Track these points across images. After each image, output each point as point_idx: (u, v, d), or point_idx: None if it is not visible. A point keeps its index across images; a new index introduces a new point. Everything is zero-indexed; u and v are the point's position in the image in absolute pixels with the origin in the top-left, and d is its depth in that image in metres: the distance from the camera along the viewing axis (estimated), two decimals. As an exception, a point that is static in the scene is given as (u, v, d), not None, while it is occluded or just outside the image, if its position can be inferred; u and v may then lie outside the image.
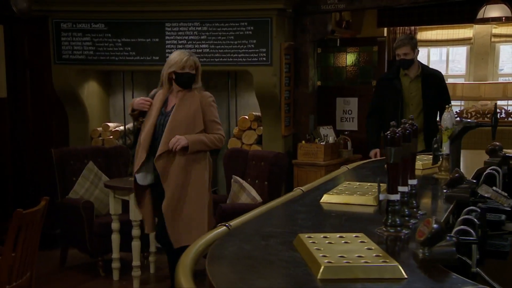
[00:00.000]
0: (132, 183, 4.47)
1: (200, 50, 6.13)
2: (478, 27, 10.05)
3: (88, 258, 5.76)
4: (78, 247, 5.74)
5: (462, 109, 9.92)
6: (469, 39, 10.38)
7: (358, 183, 2.84)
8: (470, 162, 3.66)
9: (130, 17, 6.32)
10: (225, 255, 1.83)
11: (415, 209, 2.26)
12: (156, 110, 4.36)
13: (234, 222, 2.15)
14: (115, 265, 5.35)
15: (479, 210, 2.21)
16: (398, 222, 2.02)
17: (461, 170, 2.82)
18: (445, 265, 1.69)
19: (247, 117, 6.43)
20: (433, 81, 5.17)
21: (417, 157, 2.90)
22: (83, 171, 5.82)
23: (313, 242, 1.78)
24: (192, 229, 4.25)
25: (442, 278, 1.61)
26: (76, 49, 6.46)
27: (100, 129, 6.75)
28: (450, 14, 8.48)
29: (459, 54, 11.28)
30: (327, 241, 1.80)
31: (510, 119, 8.90)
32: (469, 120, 3.22)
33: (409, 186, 2.17)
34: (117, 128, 6.73)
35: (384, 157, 4.44)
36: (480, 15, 7.53)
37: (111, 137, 6.64)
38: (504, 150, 3.37)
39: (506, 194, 2.55)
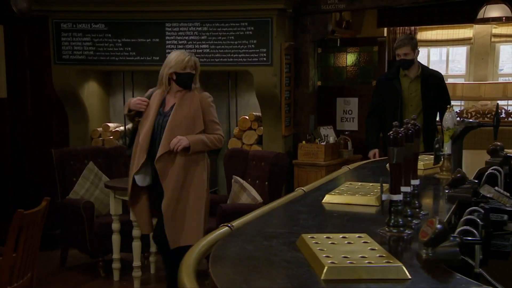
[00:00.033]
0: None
1: (201, 50, 6.13)
2: (478, 27, 10.05)
3: (88, 258, 5.76)
4: (78, 247, 5.74)
5: (462, 109, 9.91)
6: (469, 39, 10.37)
7: (359, 183, 2.83)
8: (471, 162, 3.66)
9: (130, 17, 6.32)
10: (228, 255, 1.82)
11: (417, 210, 2.25)
12: (154, 110, 4.33)
13: (236, 223, 2.15)
14: (116, 265, 5.34)
15: (481, 211, 2.20)
16: (401, 222, 2.02)
17: (462, 170, 2.82)
18: (448, 266, 1.69)
19: (247, 117, 6.43)
20: (433, 82, 5.16)
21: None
22: (83, 172, 5.81)
23: (316, 243, 1.77)
24: (189, 229, 4.25)
25: (446, 279, 1.60)
26: (76, 49, 6.45)
27: (100, 129, 6.75)
28: (450, 14, 8.48)
29: (459, 54, 11.28)
30: (330, 242, 1.79)
31: (510, 119, 8.89)
32: (470, 120, 3.22)
33: (411, 186, 2.17)
34: (117, 129, 6.73)
35: (383, 158, 4.46)
36: (480, 15, 7.53)
37: (111, 137, 6.63)
38: (505, 150, 3.36)
39: (508, 194, 2.55)
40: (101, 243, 5.44)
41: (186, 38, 6.19)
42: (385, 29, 9.60)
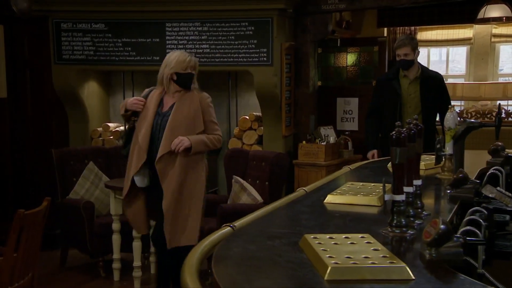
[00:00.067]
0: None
1: (201, 50, 6.13)
2: (478, 27, 10.05)
3: (89, 258, 5.75)
4: (78, 247, 5.73)
5: (462, 109, 9.91)
6: (469, 39, 10.38)
7: (361, 184, 2.83)
8: (471, 162, 3.66)
9: (131, 17, 6.31)
10: (231, 255, 1.82)
11: (419, 210, 2.25)
12: (152, 110, 4.31)
13: (238, 223, 2.15)
14: (116, 265, 5.34)
15: (484, 211, 2.20)
16: (404, 222, 2.01)
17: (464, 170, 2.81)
18: (450, 267, 1.68)
19: (247, 117, 6.43)
20: (432, 83, 5.15)
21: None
22: (83, 172, 5.81)
23: (319, 243, 1.77)
24: (188, 230, 4.25)
25: (449, 279, 1.60)
26: (76, 49, 6.45)
27: (100, 129, 6.74)
28: (450, 14, 8.48)
29: (459, 54, 11.28)
30: (333, 242, 1.79)
31: (510, 119, 8.89)
32: (472, 120, 3.22)
33: (414, 186, 2.17)
34: (117, 129, 6.72)
35: (382, 158, 4.46)
36: (480, 15, 7.53)
37: (111, 137, 6.63)
38: (506, 150, 3.36)
39: (510, 194, 2.54)
40: (101, 243, 5.43)
41: (187, 38, 6.18)
42: (385, 29, 9.59)
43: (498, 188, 2.56)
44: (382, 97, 5.27)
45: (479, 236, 1.89)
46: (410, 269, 1.58)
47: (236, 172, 5.56)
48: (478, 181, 2.76)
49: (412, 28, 9.86)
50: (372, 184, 2.78)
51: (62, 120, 6.73)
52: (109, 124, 6.72)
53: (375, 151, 5.27)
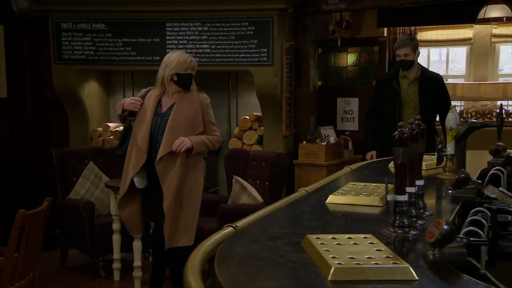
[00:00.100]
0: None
1: (201, 50, 6.12)
2: (478, 27, 10.05)
3: (89, 258, 5.74)
4: (78, 247, 5.72)
5: (462, 109, 9.91)
6: (469, 39, 10.37)
7: (363, 184, 2.82)
8: (472, 162, 3.65)
9: (131, 17, 6.31)
10: (233, 256, 1.82)
11: (422, 210, 2.25)
12: (150, 111, 4.29)
13: (240, 223, 2.15)
14: (116, 265, 5.33)
15: (486, 211, 2.20)
16: (406, 223, 2.01)
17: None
18: (453, 267, 1.68)
19: (248, 117, 6.42)
20: (432, 84, 5.14)
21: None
22: (83, 172, 5.80)
23: (322, 243, 1.76)
24: (185, 230, 4.25)
25: (453, 280, 1.60)
26: (76, 49, 6.44)
27: (100, 129, 6.74)
28: (450, 14, 8.47)
29: (459, 54, 11.28)
30: (335, 242, 1.79)
31: (510, 119, 8.89)
32: (474, 120, 3.21)
33: (416, 186, 2.16)
34: (117, 129, 6.72)
35: (382, 158, 4.45)
36: (481, 15, 7.53)
37: (112, 137, 6.62)
38: (507, 150, 3.36)
39: (512, 194, 2.54)
40: (101, 243, 5.43)
41: (187, 38, 6.18)
42: (385, 29, 9.59)
43: (500, 188, 2.56)
44: (381, 97, 5.26)
45: (482, 237, 1.89)
46: (413, 269, 1.58)
47: (236, 172, 5.56)
48: (479, 181, 2.76)
49: (412, 28, 9.85)
50: (374, 185, 2.77)
51: (62, 120, 6.73)
52: (109, 124, 6.72)
53: (374, 152, 5.26)
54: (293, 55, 6.36)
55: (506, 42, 10.44)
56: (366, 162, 4.32)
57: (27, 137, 6.87)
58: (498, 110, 4.85)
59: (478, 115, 9.24)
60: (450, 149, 3.14)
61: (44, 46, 6.59)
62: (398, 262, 1.61)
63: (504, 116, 9.01)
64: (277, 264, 1.74)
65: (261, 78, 6.04)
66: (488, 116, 9.22)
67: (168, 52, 4.54)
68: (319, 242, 1.78)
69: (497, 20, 7.69)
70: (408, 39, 5.15)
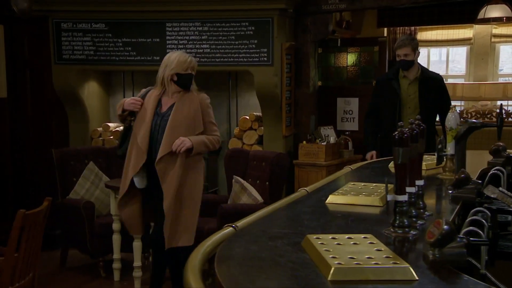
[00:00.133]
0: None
1: (201, 50, 6.12)
2: (478, 27, 10.05)
3: (89, 258, 5.74)
4: (78, 247, 5.72)
5: (462, 109, 9.91)
6: (469, 39, 10.37)
7: (363, 184, 2.83)
8: (472, 162, 3.65)
9: (131, 17, 6.31)
10: (233, 256, 1.82)
11: (421, 210, 2.25)
12: (150, 111, 4.29)
13: (240, 223, 2.15)
14: (116, 265, 5.33)
15: (486, 211, 2.20)
16: (406, 223, 2.01)
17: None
18: (453, 267, 1.68)
19: (248, 117, 6.42)
20: (432, 84, 5.13)
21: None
22: (83, 172, 5.80)
23: (322, 243, 1.77)
24: (185, 230, 4.25)
25: (453, 280, 1.60)
26: (76, 49, 6.44)
27: (100, 129, 6.74)
28: (450, 14, 8.47)
29: (459, 54, 11.28)
30: (335, 242, 1.79)
31: (510, 119, 8.89)
32: (474, 120, 3.21)
33: (416, 186, 2.16)
34: (117, 129, 6.72)
35: (383, 158, 4.45)
36: (481, 15, 7.53)
37: (112, 137, 6.62)
38: (507, 150, 3.36)
39: (512, 194, 2.54)
40: (101, 243, 5.43)
41: (187, 38, 6.18)
42: (385, 29, 9.59)
43: (500, 188, 2.56)
44: (381, 97, 5.26)
45: (482, 237, 1.89)
46: (413, 269, 1.58)
47: (236, 172, 5.56)
48: (479, 181, 2.76)
49: (412, 28, 9.85)
50: (374, 185, 2.77)
51: (62, 120, 6.73)
52: (109, 124, 6.72)
53: (374, 152, 5.26)
54: (293, 55, 6.36)
55: (506, 42, 10.43)
56: (366, 162, 4.32)
57: (27, 137, 6.87)
58: (498, 110, 4.85)
59: (478, 115, 9.24)
60: (450, 149, 3.14)
61: (44, 46, 6.59)
62: (398, 262, 1.61)
63: (504, 116, 9.01)
64: (277, 264, 1.74)
65: (261, 78, 6.04)
66: (488, 116, 9.22)
67: (168, 52, 4.54)
68: (319, 242, 1.78)
69: (497, 20, 7.69)
70: (408, 39, 5.14)
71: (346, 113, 6.80)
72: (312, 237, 1.83)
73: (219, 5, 6.01)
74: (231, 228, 2.08)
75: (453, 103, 5.53)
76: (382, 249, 1.72)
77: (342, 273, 1.56)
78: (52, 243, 5.95)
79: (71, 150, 6.02)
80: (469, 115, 9.22)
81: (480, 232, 1.89)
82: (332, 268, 1.56)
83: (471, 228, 1.91)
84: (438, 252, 1.68)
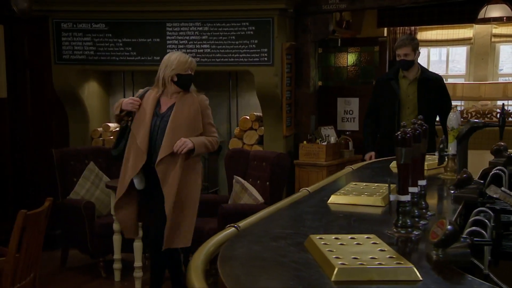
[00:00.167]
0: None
1: (201, 50, 6.12)
2: (478, 27, 10.05)
3: (89, 259, 5.74)
4: (79, 247, 5.72)
5: (462, 109, 9.91)
6: (469, 39, 10.37)
7: (365, 184, 2.82)
8: (473, 162, 3.65)
9: (131, 17, 6.30)
10: (236, 256, 1.82)
11: (424, 210, 2.25)
12: (149, 111, 4.28)
13: (242, 223, 2.14)
14: (117, 266, 5.33)
15: (488, 211, 2.19)
16: (409, 223, 2.01)
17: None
18: (457, 267, 1.68)
19: (248, 117, 6.42)
20: (432, 85, 5.12)
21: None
22: (84, 172, 5.80)
23: (325, 244, 1.76)
24: (184, 231, 4.24)
25: (457, 280, 1.59)
26: (76, 49, 6.44)
27: (100, 129, 6.73)
28: (450, 14, 8.47)
29: (459, 54, 11.28)
30: (339, 243, 1.78)
31: (510, 119, 8.88)
32: (476, 120, 3.21)
33: (418, 186, 2.16)
34: (117, 129, 6.70)
35: (381, 159, 4.44)
36: (481, 15, 7.53)
37: (112, 137, 6.62)
38: (508, 150, 3.35)
39: (514, 194, 2.53)
40: (101, 244, 5.42)
41: (187, 38, 6.17)
42: (385, 29, 9.59)
43: (502, 188, 2.55)
44: (381, 98, 5.26)
45: (485, 237, 1.89)
46: (417, 269, 1.58)
47: (237, 172, 5.56)
48: (481, 181, 2.76)
49: (412, 28, 9.85)
50: (376, 185, 2.77)
51: (62, 120, 6.72)
52: (109, 124, 6.71)
53: (372, 153, 5.26)
54: (293, 55, 6.36)
55: (506, 42, 10.44)
56: (367, 162, 4.32)
57: (27, 137, 6.87)
58: (498, 110, 4.83)
59: (478, 115, 9.24)
60: (451, 149, 3.13)
61: (44, 46, 6.58)
62: (402, 262, 1.61)
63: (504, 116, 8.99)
64: (280, 264, 1.73)
65: (261, 78, 6.03)
66: (488, 116, 9.22)
67: (168, 52, 4.53)
68: (322, 242, 1.77)
69: (497, 20, 7.69)
70: (408, 39, 5.13)
71: (347, 113, 6.80)
72: (315, 237, 1.83)
73: (219, 5, 6.01)
74: (233, 228, 2.08)
75: (453, 103, 5.52)
76: (386, 249, 1.72)
77: (346, 274, 1.55)
78: (53, 243, 5.94)
79: (71, 150, 6.01)
80: (469, 115, 9.22)
81: (483, 232, 1.89)
82: (336, 269, 1.56)
83: (474, 228, 1.90)
84: (442, 252, 1.68)
